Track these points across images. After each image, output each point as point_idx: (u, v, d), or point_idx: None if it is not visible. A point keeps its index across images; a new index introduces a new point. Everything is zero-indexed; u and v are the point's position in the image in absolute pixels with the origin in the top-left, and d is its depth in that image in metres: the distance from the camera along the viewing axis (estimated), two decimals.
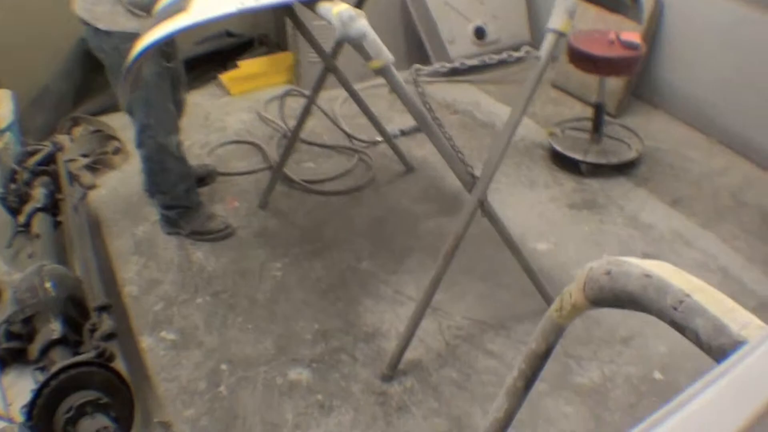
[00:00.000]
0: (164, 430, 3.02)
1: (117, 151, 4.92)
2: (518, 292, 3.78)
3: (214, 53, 5.85)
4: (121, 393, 2.67)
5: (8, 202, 3.87)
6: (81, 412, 2.53)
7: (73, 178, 4.26)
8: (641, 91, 5.60)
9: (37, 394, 2.54)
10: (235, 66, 5.87)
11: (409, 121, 5.27)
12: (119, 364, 2.76)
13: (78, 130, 5.16)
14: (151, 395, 3.22)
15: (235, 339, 3.54)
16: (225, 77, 5.82)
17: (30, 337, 2.87)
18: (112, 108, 4.97)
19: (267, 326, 3.61)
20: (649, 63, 5.33)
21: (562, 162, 4.88)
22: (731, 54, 4.86)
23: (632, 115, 5.45)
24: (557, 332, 1.47)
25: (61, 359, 2.68)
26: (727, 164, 4.91)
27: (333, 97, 5.41)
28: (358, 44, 2.71)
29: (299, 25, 4.17)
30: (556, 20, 3.02)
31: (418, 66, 2.93)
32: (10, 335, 2.89)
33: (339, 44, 4.12)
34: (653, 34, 5.27)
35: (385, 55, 2.75)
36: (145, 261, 4.05)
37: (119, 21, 3.58)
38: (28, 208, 3.74)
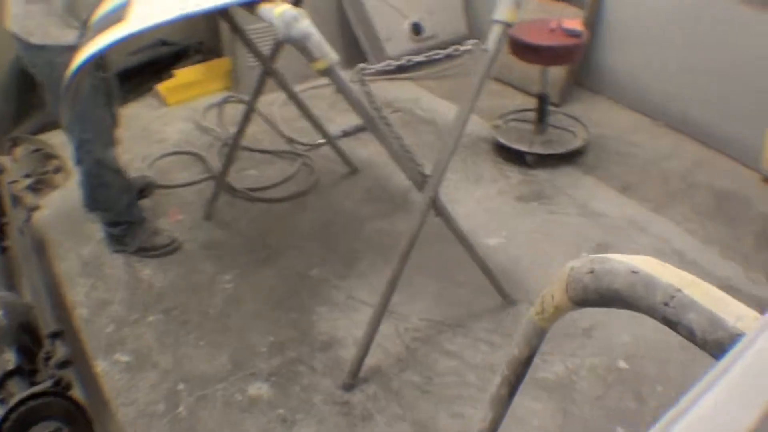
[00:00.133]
0: None
1: (58, 169, 4.73)
2: (473, 289, 3.72)
3: (150, 63, 5.71)
4: (80, 421, 2.56)
5: None
6: None
7: (16, 200, 4.11)
8: (583, 78, 5.59)
9: None
10: (171, 75, 5.73)
11: (350, 121, 5.21)
12: (77, 392, 2.65)
13: (19, 151, 4.99)
14: (111, 421, 3.09)
15: (189, 356, 3.43)
16: (161, 87, 5.68)
17: None
18: (51, 126, 4.80)
19: (221, 341, 3.51)
20: (590, 50, 5.31)
21: (508, 154, 4.83)
22: (674, 37, 4.87)
23: (575, 104, 5.44)
24: (540, 335, 1.42)
25: (19, 390, 2.56)
26: (675, 147, 4.92)
27: (271, 101, 5.30)
28: (301, 45, 2.62)
29: (237, 29, 4.06)
30: (503, 11, 2.96)
31: (363, 65, 2.85)
32: None
33: (278, 46, 4.02)
34: (594, 20, 5.25)
35: (330, 55, 2.67)
36: (93, 282, 3.92)
37: (52, 33, 3.44)
38: None
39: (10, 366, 2.68)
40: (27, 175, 4.64)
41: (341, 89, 2.79)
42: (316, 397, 3.19)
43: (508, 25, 2.99)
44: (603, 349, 3.37)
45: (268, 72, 4.10)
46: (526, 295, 3.69)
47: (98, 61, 3.61)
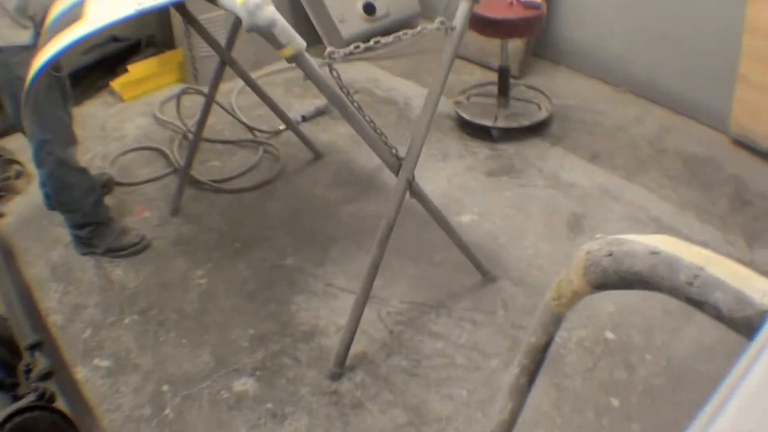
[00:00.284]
0: None
1: (19, 174, 4.65)
2: (451, 268, 3.70)
3: (103, 60, 5.59)
4: None
5: None
6: None
7: None
8: (542, 49, 5.57)
9: None
10: (125, 71, 5.60)
11: (308, 107, 5.16)
12: (60, 403, 2.58)
13: None
14: (97, 429, 3.03)
15: (170, 356, 3.35)
16: (116, 84, 5.55)
17: None
18: (8, 130, 4.68)
19: (201, 338, 3.44)
20: (548, 20, 5.26)
21: (473, 130, 4.80)
22: (632, 3, 4.85)
23: (535, 75, 5.42)
24: (557, 322, 1.40)
25: (2, 406, 2.49)
26: (640, 113, 4.91)
27: (228, 90, 5.21)
28: (267, 33, 2.55)
29: (191, 20, 3.97)
30: None
31: (331, 49, 2.78)
32: None
33: (234, 35, 3.94)
34: None
35: (297, 41, 2.60)
36: (65, 286, 3.81)
37: (5, 34, 3.33)
38: None
39: None
40: None
41: (310, 75, 2.72)
42: (303, 389, 3.14)
43: (475, 2, 2.95)
44: (589, 321, 3.36)
45: (226, 61, 4.02)
46: (505, 272, 3.68)
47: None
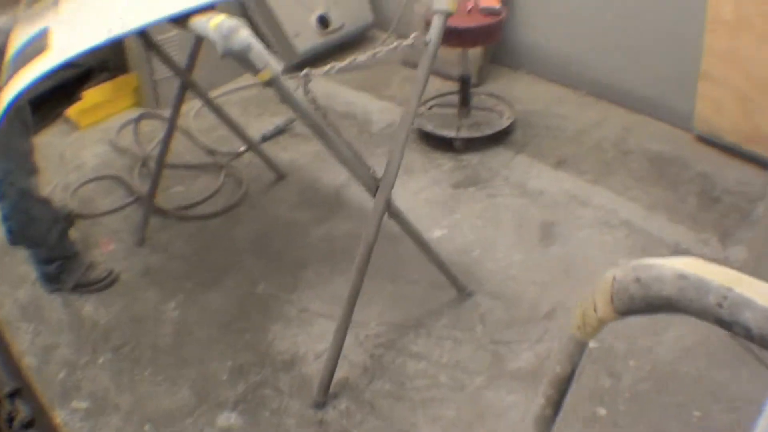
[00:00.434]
0: None
1: None
2: (426, 285, 3.66)
3: (56, 88, 5.46)
4: None
5: None
6: None
7: None
8: (499, 55, 5.53)
9: None
10: (80, 98, 5.48)
11: (266, 126, 5.10)
12: None
13: None
14: None
15: (149, 394, 3.26)
16: (71, 111, 5.41)
17: None
18: None
19: (179, 374, 3.35)
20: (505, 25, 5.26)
21: (435, 142, 4.75)
22: (590, 4, 4.85)
23: (495, 82, 5.39)
24: (581, 350, 1.41)
25: None
26: (602, 115, 4.91)
27: (184, 112, 5.08)
28: (243, 58, 2.45)
29: (151, 43, 3.89)
30: (442, 0, 2.89)
31: (307, 71, 2.71)
32: None
33: (194, 57, 3.86)
34: None
35: (273, 65, 2.52)
36: (36, 326, 3.70)
37: None
38: None
39: None
40: None
41: (286, 99, 2.64)
42: (288, 420, 3.07)
43: (449, 14, 2.92)
44: (568, 331, 3.32)
45: (187, 84, 3.95)
46: (480, 285, 3.64)
47: None
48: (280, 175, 4.64)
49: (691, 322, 1.04)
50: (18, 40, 2.77)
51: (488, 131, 4.70)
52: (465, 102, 4.79)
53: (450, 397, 3.11)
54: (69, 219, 4.28)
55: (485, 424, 2.98)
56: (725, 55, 4.12)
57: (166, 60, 3.94)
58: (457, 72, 4.75)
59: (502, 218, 4.10)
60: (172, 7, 2.58)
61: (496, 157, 4.60)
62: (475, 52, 5.18)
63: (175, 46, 4.86)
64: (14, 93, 2.47)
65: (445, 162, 4.62)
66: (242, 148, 4.83)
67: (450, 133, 4.68)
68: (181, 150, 4.90)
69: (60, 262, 3.80)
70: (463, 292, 3.58)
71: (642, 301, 1.14)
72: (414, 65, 5.53)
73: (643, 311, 1.16)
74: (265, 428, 3.05)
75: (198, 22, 2.53)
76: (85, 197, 4.65)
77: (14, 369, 3.26)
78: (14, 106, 3.37)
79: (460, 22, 4.36)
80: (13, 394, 2.67)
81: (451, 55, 4.72)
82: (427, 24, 4.36)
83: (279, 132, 5.10)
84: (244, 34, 2.42)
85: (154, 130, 5.12)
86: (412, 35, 2.93)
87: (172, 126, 4.04)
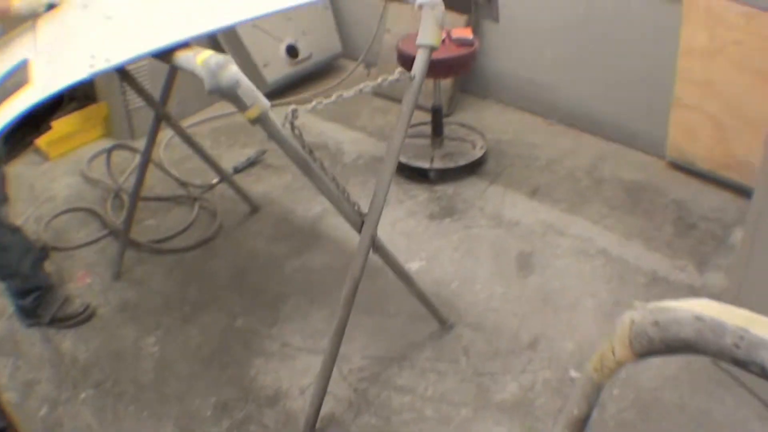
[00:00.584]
0: None
1: None
2: (407, 318, 3.65)
3: (25, 117, 5.39)
4: None
5: None
6: None
7: None
8: (468, 84, 5.57)
9: None
10: (49, 128, 5.42)
11: (238, 156, 5.09)
12: None
13: None
14: None
15: (134, 431, 3.23)
16: (41, 141, 5.35)
17: None
18: None
19: (162, 410, 3.30)
20: None
21: (409, 173, 4.76)
22: (560, 34, 4.91)
23: (465, 111, 5.44)
24: (598, 391, 1.39)
25: None
26: (574, 144, 4.95)
27: (155, 144, 5.08)
28: (231, 94, 2.38)
29: (125, 74, 3.86)
30: (427, 35, 2.92)
31: (294, 107, 2.68)
32: None
33: (168, 89, 3.84)
34: (475, 25, 5.24)
35: (261, 102, 2.47)
36: (14, 362, 3.64)
37: None
38: None
39: None
40: None
41: (274, 136, 2.61)
42: None
43: (432, 48, 2.93)
44: (552, 361, 3.34)
45: (161, 116, 3.92)
46: (461, 317, 3.64)
47: None
48: (254, 208, 4.63)
49: None
50: None
51: (462, 162, 4.73)
52: (437, 132, 4.82)
53: (437, 430, 3.10)
54: (44, 251, 4.22)
55: None
56: (699, 81, 4.18)
57: (140, 92, 3.91)
58: (428, 102, 4.76)
59: (480, 249, 4.11)
60: (154, 42, 2.56)
61: (471, 188, 4.62)
62: (446, 82, 5.23)
63: (146, 75, 4.85)
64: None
65: (420, 193, 4.63)
66: (215, 180, 4.81)
67: (424, 164, 4.70)
68: (152, 182, 4.85)
69: (36, 294, 3.75)
70: (444, 324, 3.58)
71: (661, 343, 1.16)
72: (384, 96, 5.61)
73: (662, 353, 1.18)
74: None
75: (183, 58, 2.49)
76: (58, 229, 4.60)
77: None
78: None
79: (434, 54, 4.37)
80: None
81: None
82: (400, 54, 4.42)
83: (251, 163, 5.09)
84: (233, 70, 2.36)
85: (124, 161, 5.08)
86: (398, 70, 2.93)
87: (146, 158, 4.00)
